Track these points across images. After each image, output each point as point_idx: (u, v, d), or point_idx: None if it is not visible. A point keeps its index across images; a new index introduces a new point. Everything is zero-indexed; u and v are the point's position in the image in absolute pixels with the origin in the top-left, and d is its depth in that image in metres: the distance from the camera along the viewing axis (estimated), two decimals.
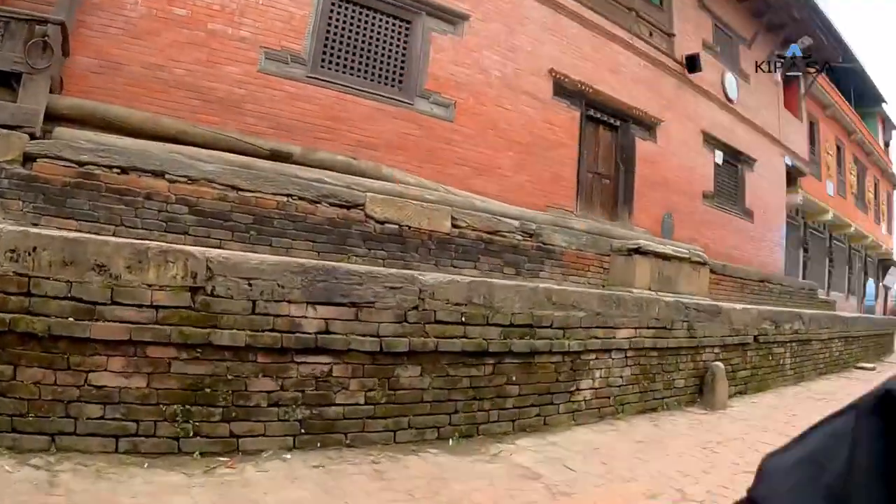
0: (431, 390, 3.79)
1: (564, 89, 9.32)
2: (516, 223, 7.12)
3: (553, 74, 9.17)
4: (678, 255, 7.31)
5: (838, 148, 22.74)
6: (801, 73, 18.01)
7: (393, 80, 7.63)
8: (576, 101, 9.55)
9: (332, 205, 5.81)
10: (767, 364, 6.94)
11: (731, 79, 13.39)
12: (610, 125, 10.26)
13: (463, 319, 3.87)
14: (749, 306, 6.62)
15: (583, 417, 4.68)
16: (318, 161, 6.46)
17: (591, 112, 9.87)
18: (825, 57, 17.69)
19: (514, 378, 4.18)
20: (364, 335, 3.41)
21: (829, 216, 20.46)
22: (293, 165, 6.11)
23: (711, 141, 12.50)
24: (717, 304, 6.20)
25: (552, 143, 9.09)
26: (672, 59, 11.60)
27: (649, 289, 6.61)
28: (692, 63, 11.66)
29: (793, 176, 16.96)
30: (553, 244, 7.54)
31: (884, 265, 31.97)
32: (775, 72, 15.68)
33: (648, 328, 5.22)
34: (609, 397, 4.93)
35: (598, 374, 4.81)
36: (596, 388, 4.81)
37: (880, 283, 32.20)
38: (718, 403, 5.67)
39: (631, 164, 10.34)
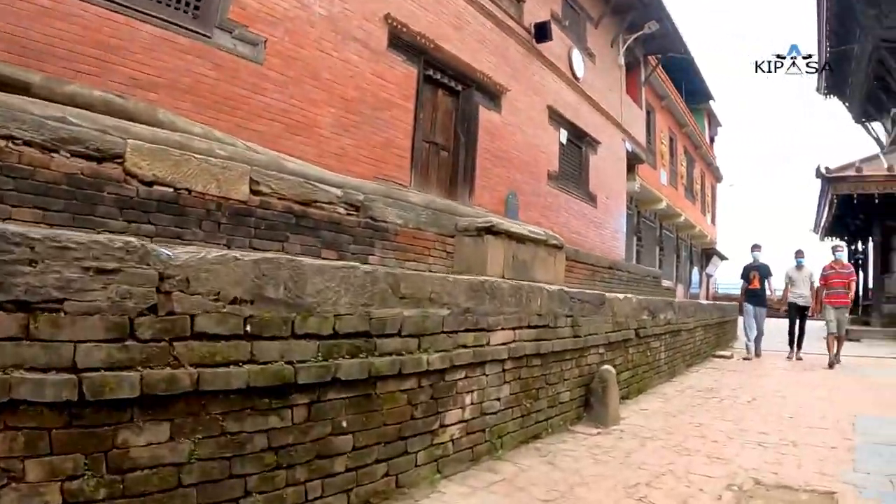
0: (196, 465, 2.25)
1: (401, 41, 8.45)
2: (338, 192, 6.06)
3: (389, 22, 8.25)
4: (534, 237, 6.77)
5: (671, 139, 24.27)
6: (642, 61, 18.76)
7: (187, 3, 6.26)
8: (414, 57, 8.73)
9: (75, 154, 4.39)
10: (646, 361, 6.54)
11: (578, 56, 13.38)
12: (451, 89, 9.59)
13: (248, 330, 2.42)
14: (628, 295, 6.08)
15: (451, 466, 3.49)
16: (67, 96, 4.98)
17: (431, 72, 9.11)
18: (667, 47, 18.59)
19: (344, 423, 2.81)
20: (46, 369, 1.89)
21: (663, 205, 21.72)
22: (28, 99, 4.59)
23: (557, 118, 12.36)
24: (602, 294, 5.52)
25: (384, 102, 8.18)
26: (521, 25, 11.22)
27: (503, 276, 5.95)
28: (542, 31, 11.37)
29: (632, 163, 17.61)
30: (386, 220, 6.60)
31: (707, 254, 35.15)
32: (620, 55, 16.05)
33: (530, 327, 4.24)
34: (484, 430, 3.81)
35: (468, 399, 3.65)
36: (467, 421, 3.64)
37: (703, 272, 35.42)
38: (611, 417, 4.91)
39: (473, 136, 9.76)
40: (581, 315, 4.96)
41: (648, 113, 21.10)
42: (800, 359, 10.32)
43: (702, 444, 4.39)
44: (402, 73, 8.55)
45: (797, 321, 10.56)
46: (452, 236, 7.02)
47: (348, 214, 6.14)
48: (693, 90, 29.33)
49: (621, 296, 5.88)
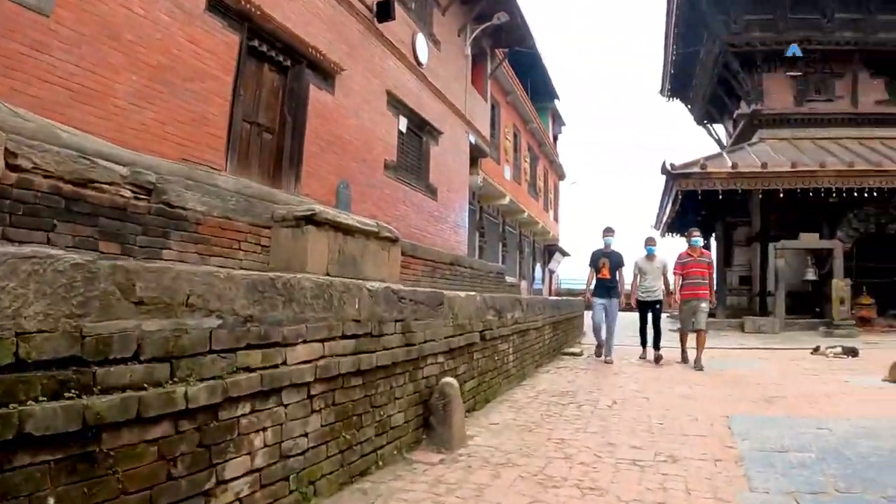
0: None
1: (222, 4, 7.71)
2: (123, 171, 5.25)
3: None
4: (364, 228, 6.29)
5: (515, 135, 24.99)
6: (489, 53, 19.02)
7: None
8: (236, 24, 8.01)
9: None
10: (494, 366, 6.11)
11: (423, 41, 13.20)
12: (279, 65, 8.96)
13: None
14: (471, 293, 5.69)
15: None
16: None
17: (256, 43, 8.43)
18: (515, 40, 18.99)
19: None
20: None
21: (507, 201, 22.28)
22: None
23: (397, 104, 12.10)
24: (439, 293, 4.91)
25: (198, 73, 7.40)
26: (361, 1, 10.75)
27: (327, 273, 5.39)
28: (384, 10, 11.03)
29: (475, 156, 17.81)
30: (185, 207, 5.89)
31: (550, 251, 36.79)
32: (466, 44, 16.11)
33: (345, 337, 3.44)
34: (287, 477, 2.95)
35: (259, 440, 2.77)
36: (260, 470, 2.76)
37: (546, 268, 37.04)
38: (456, 439, 4.27)
39: (302, 118, 9.20)
40: (414, 318, 4.29)
41: (494, 107, 21.52)
42: (660, 358, 9.37)
43: (568, 470, 3.80)
44: (221, 40, 7.79)
45: (648, 319, 9.80)
46: (269, 227, 6.43)
47: (136, 198, 5.36)
48: (539, 89, 30.49)
49: (463, 294, 5.39)
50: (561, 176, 37.76)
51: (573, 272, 44.58)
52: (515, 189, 24.36)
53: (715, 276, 10.88)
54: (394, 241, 7.03)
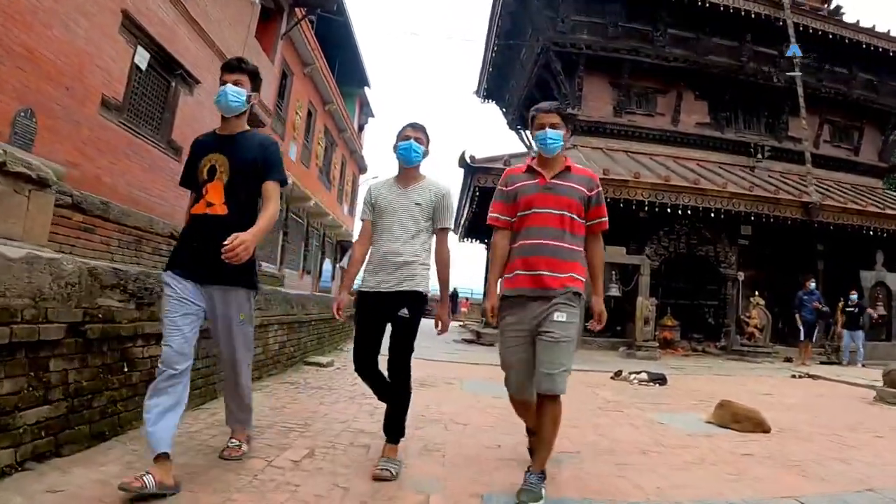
0: None
1: None
2: None
3: None
4: None
5: (310, 113, 23.13)
6: (287, 11, 17.10)
7: None
8: None
9: None
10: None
11: None
12: None
13: None
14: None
15: None
16: None
17: None
18: (319, 3, 17.24)
19: None
20: None
21: (289, 182, 20.13)
22: None
23: (136, 31, 9.74)
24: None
25: None
26: None
27: None
28: None
29: (247, 122, 15.62)
30: None
31: (342, 247, 34.99)
32: None
33: None
34: None
35: None
36: None
37: (338, 265, 35.18)
38: None
39: None
40: None
41: (286, 75, 19.50)
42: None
43: None
44: None
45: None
46: None
47: None
48: (348, 72, 28.89)
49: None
50: (362, 169, 36.31)
51: None
52: (303, 172, 22.37)
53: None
54: (39, 183, 4.90)
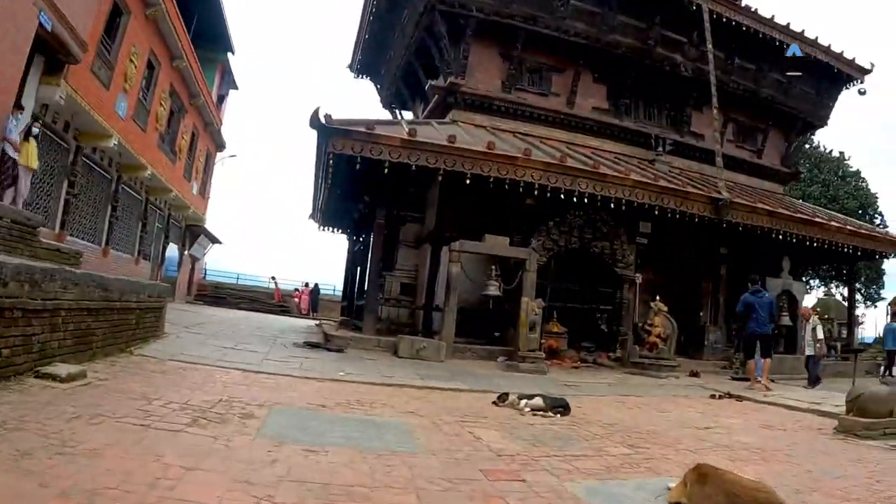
0: None
1: None
2: None
3: None
4: None
5: (152, 66, 20.10)
6: None
7: None
8: None
9: None
10: None
11: None
12: None
13: None
14: None
15: None
16: None
17: None
18: None
19: None
20: None
21: (114, 142, 17.01)
22: None
23: None
24: None
25: None
26: None
27: None
28: None
29: (54, 56, 12.66)
30: None
31: (194, 232, 31.67)
32: None
33: None
34: None
35: None
36: None
37: (188, 252, 31.79)
38: None
39: None
40: None
41: (120, 12, 16.39)
42: None
43: None
44: None
45: None
46: None
47: None
48: (208, 32, 26.11)
49: None
50: (220, 146, 33.02)
51: (227, 263, 40.37)
52: (136, 134, 19.15)
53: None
54: None
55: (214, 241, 35.56)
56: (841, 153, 42.62)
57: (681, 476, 3.84)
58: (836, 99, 22.65)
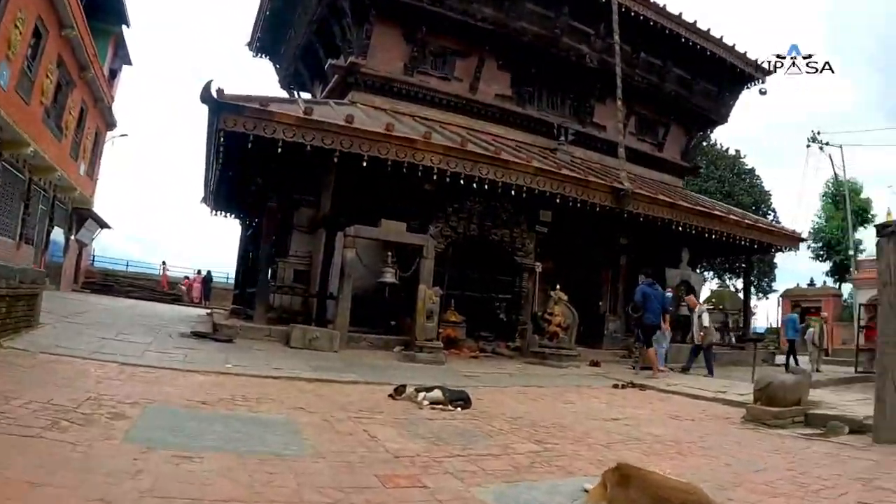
0: None
1: None
2: None
3: None
4: None
5: (38, 33, 18.66)
6: None
7: None
8: None
9: None
10: None
11: None
12: None
13: None
14: None
15: None
16: None
17: None
18: None
19: None
20: None
21: None
22: None
23: None
24: None
25: None
26: None
27: None
28: None
29: None
30: None
31: (80, 215, 30.02)
32: None
33: None
34: None
35: None
36: None
37: (74, 237, 30.16)
38: None
39: None
40: None
41: None
42: None
43: None
44: None
45: None
46: None
47: None
48: (102, 1, 24.49)
49: None
50: (110, 124, 31.41)
51: (115, 249, 38.70)
52: (17, 106, 17.79)
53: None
54: None
55: (103, 225, 33.89)
56: (737, 151, 44.71)
57: (598, 476, 3.61)
58: (737, 97, 23.46)
